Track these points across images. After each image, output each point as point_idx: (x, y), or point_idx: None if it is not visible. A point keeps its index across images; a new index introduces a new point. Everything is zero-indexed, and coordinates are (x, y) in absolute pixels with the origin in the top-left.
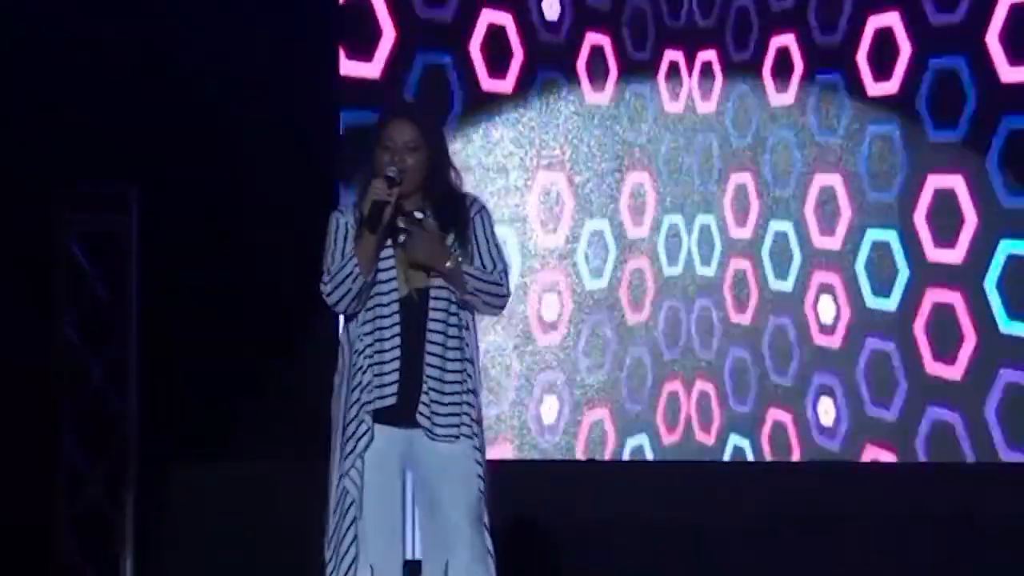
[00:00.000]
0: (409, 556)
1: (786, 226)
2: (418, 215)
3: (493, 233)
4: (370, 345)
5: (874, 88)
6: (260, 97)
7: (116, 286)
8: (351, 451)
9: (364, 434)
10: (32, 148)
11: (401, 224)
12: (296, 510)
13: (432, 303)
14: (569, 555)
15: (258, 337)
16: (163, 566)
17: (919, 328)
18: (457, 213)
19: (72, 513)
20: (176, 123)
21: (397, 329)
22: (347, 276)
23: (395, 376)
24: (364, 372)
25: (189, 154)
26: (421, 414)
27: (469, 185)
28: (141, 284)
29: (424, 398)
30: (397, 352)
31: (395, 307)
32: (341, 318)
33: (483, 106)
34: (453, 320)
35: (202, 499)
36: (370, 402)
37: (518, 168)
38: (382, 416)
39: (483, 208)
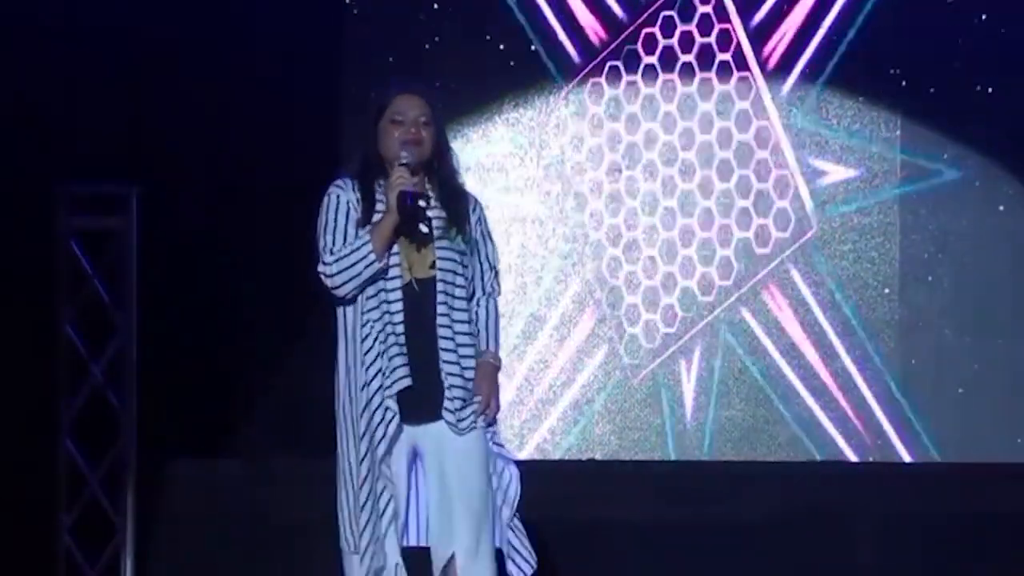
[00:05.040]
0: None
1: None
2: (421, 203)
3: (490, 234)
4: (381, 331)
5: None
6: (261, 97)
7: (116, 286)
8: (382, 436)
9: (391, 420)
10: (32, 148)
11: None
12: (296, 508)
13: (439, 296)
14: (568, 555)
15: (257, 336)
16: (163, 565)
17: None
18: (461, 211)
19: (72, 513)
20: (176, 123)
21: (401, 316)
22: (360, 260)
23: (403, 360)
24: (381, 356)
25: (189, 154)
26: (447, 409)
27: (469, 185)
28: (141, 284)
29: (448, 393)
30: (403, 339)
31: (399, 294)
32: (339, 309)
33: (483, 106)
34: (459, 315)
35: (202, 499)
36: (389, 387)
37: (518, 168)
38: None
39: (483, 210)
